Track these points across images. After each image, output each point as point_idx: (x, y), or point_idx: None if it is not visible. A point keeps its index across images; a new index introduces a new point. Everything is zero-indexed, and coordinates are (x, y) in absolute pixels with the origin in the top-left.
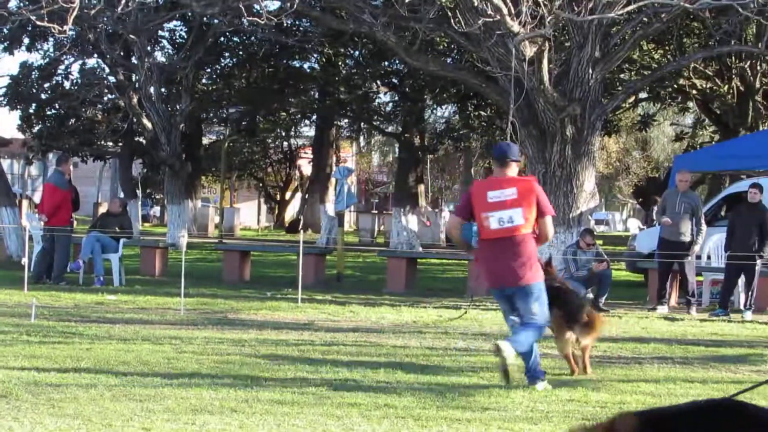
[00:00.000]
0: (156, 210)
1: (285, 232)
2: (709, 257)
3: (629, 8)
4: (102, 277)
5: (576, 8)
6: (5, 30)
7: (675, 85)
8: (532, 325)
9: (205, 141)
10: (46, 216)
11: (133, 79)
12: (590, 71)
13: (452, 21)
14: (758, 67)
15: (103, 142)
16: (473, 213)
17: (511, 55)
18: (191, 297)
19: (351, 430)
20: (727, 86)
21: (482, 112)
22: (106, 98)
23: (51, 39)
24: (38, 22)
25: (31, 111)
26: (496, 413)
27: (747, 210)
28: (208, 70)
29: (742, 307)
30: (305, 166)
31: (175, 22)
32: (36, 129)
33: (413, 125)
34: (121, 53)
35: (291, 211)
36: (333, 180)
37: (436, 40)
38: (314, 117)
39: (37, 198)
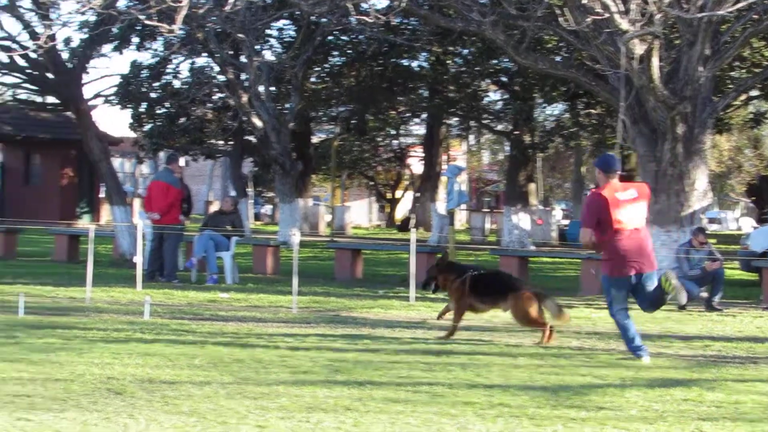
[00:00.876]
0: (267, 208)
1: (396, 231)
2: None
3: (739, 5)
4: (215, 275)
5: (685, 6)
6: (115, 29)
7: None
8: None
9: (315, 140)
10: (158, 214)
11: (243, 77)
12: (700, 69)
13: (560, 19)
14: None
15: (213, 141)
16: (602, 219)
17: (621, 53)
18: (304, 295)
19: (465, 429)
20: None
21: (592, 111)
22: (216, 97)
23: (160, 38)
24: (147, 22)
25: (141, 110)
26: (611, 413)
27: None
28: (317, 68)
29: None
30: (415, 165)
31: (283, 21)
32: (147, 128)
33: (523, 123)
34: (230, 52)
35: (402, 210)
36: (443, 178)
37: (544, 38)
38: (424, 115)
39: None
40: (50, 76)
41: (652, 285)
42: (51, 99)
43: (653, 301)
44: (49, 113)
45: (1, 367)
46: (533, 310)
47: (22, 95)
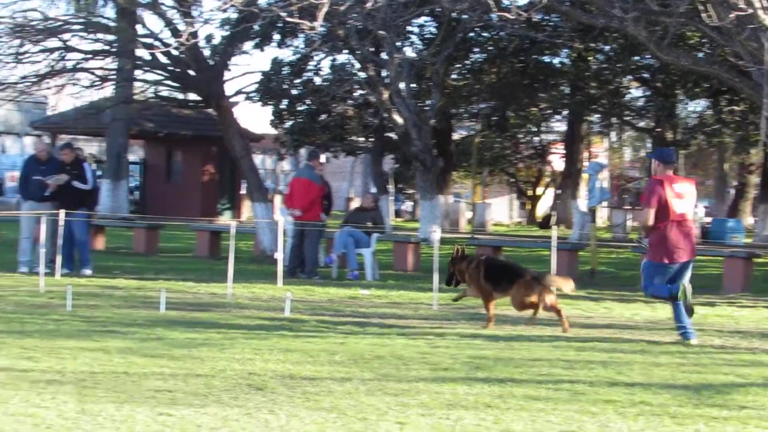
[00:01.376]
0: (408, 205)
1: (537, 228)
2: None
3: None
4: (355, 271)
5: None
6: (256, 27)
7: None
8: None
9: (456, 136)
10: (299, 210)
11: (383, 74)
12: None
13: (703, 15)
14: None
15: (354, 138)
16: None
17: (765, 50)
18: (444, 292)
19: (606, 427)
20: None
21: (735, 107)
22: (356, 94)
23: (301, 35)
24: (288, 19)
25: (282, 107)
26: (754, 412)
27: None
28: (458, 65)
29: None
30: (557, 162)
31: (424, 18)
32: (288, 125)
33: (665, 120)
34: (371, 49)
35: (543, 207)
36: (585, 175)
37: (687, 35)
38: (565, 112)
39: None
40: (192, 73)
41: (689, 274)
42: (192, 96)
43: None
44: (190, 110)
45: (142, 363)
46: (532, 297)
47: (164, 92)
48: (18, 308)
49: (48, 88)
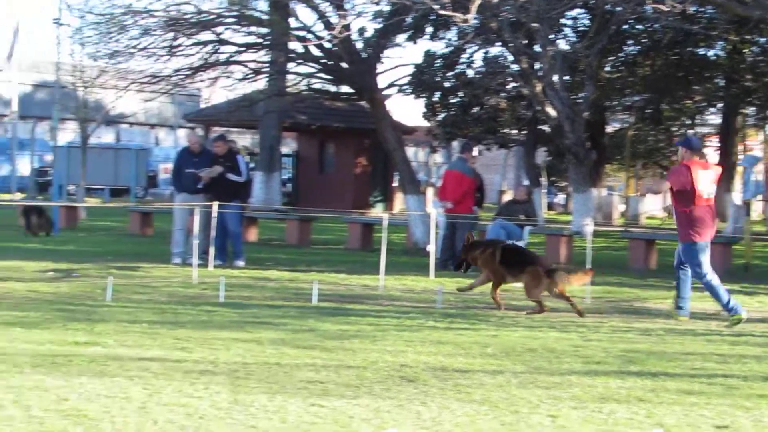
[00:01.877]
0: (560, 198)
1: None
2: None
3: None
4: None
5: None
6: (409, 19)
7: None
8: None
9: (609, 129)
10: (451, 203)
11: (537, 67)
12: None
13: None
14: None
15: (506, 130)
16: (686, 190)
17: None
18: (597, 285)
19: (760, 422)
20: None
21: None
22: (509, 86)
23: (454, 28)
24: (441, 12)
25: (435, 99)
26: None
27: None
28: (612, 57)
29: None
30: (711, 155)
31: (577, 10)
32: (440, 117)
33: None
34: (524, 41)
35: None
36: (740, 169)
37: None
38: (719, 105)
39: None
40: (345, 65)
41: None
42: (345, 88)
43: None
44: (343, 102)
45: (295, 354)
46: (541, 287)
47: (317, 85)
48: (171, 299)
49: (201, 81)
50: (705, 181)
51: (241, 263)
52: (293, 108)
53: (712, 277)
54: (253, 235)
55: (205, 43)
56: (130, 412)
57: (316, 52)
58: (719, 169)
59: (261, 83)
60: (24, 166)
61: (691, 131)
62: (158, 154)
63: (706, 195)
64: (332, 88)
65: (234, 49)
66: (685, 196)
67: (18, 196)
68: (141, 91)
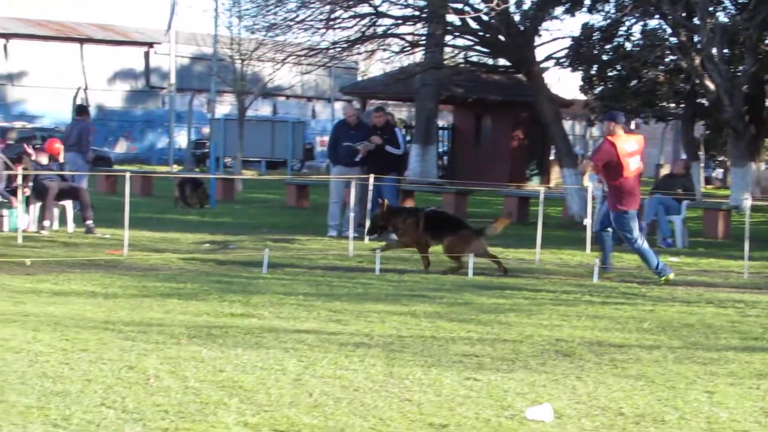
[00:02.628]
0: (718, 172)
1: None
2: None
3: None
4: (668, 239)
5: None
6: None
7: None
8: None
9: None
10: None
11: (695, 39)
12: None
13: None
14: None
15: (664, 104)
16: (613, 164)
17: None
18: (755, 260)
19: None
20: None
21: None
22: (667, 59)
23: (612, 0)
24: None
25: (592, 72)
26: None
27: None
28: None
29: None
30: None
31: None
32: (598, 90)
33: None
34: (683, 14)
35: None
36: None
37: None
38: None
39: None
40: (502, 38)
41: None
42: (502, 61)
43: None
44: (500, 75)
45: (450, 327)
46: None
47: (474, 58)
48: (327, 272)
49: (358, 54)
50: (630, 154)
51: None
52: (450, 81)
53: (642, 242)
54: None
55: (362, 16)
56: (286, 383)
57: (473, 24)
58: (641, 139)
59: (418, 56)
60: (181, 138)
61: None
62: (315, 126)
63: (633, 167)
64: (489, 61)
65: (391, 21)
66: (612, 169)
67: (175, 168)
68: (298, 64)
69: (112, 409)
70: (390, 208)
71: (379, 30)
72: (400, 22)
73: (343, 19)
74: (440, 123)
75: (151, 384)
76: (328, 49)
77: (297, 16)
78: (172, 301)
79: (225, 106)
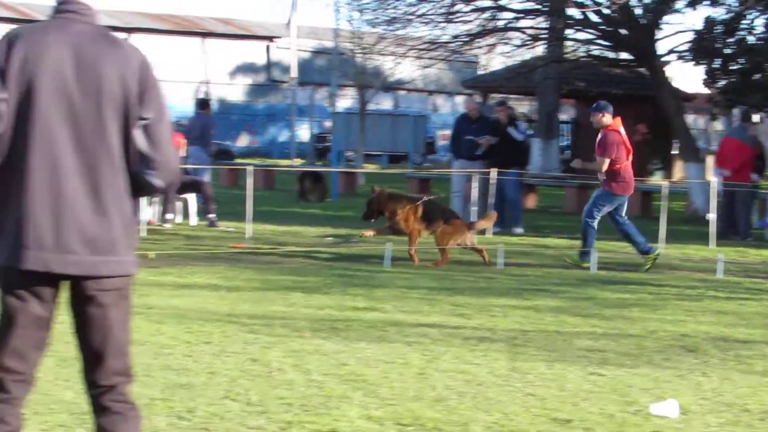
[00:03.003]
0: None
1: None
2: None
3: None
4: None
5: None
6: None
7: None
8: None
9: None
10: (728, 171)
11: None
12: None
13: None
14: None
15: None
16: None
17: None
18: None
19: None
20: None
21: None
22: None
23: None
24: None
25: (715, 66)
26: None
27: None
28: None
29: None
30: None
31: None
32: (720, 84)
33: None
34: None
35: None
36: None
37: None
38: None
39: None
40: (623, 32)
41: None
42: (624, 55)
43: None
44: (621, 69)
45: (573, 322)
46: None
47: (595, 51)
48: (449, 266)
49: (479, 48)
50: (627, 140)
51: (519, 230)
52: (571, 75)
53: (594, 225)
54: (531, 201)
55: (483, 10)
56: (409, 377)
57: (594, 17)
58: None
59: (539, 50)
60: (303, 132)
61: None
62: (436, 120)
63: (629, 154)
64: (611, 55)
65: (512, 15)
66: (618, 157)
67: (297, 162)
68: (419, 58)
69: (235, 401)
70: (386, 193)
71: (500, 23)
72: (521, 15)
73: (464, 12)
74: (562, 117)
75: (274, 377)
76: (448, 42)
77: (417, 9)
78: (296, 294)
79: (346, 100)
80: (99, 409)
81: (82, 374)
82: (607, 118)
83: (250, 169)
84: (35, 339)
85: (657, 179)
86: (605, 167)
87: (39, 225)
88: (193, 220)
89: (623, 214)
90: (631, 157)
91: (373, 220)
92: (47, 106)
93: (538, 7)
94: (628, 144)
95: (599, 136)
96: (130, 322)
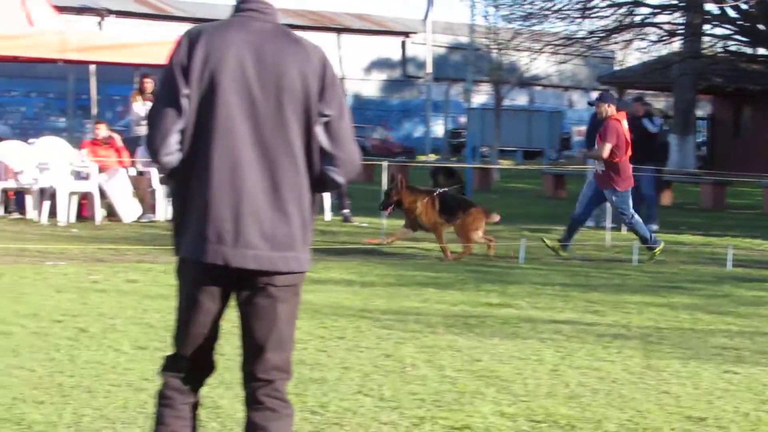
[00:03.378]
0: None
1: None
2: None
3: None
4: None
5: None
6: None
7: None
8: None
9: None
10: None
11: None
12: None
13: None
14: None
15: None
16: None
17: None
18: None
19: None
20: None
21: None
22: None
23: None
24: None
25: None
26: None
27: None
28: None
29: None
30: None
31: None
32: None
33: None
34: None
35: None
36: None
37: None
38: None
39: None
40: (762, 27)
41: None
42: (762, 50)
43: None
44: (759, 65)
45: (709, 320)
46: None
47: (733, 47)
48: (584, 262)
49: (615, 43)
50: (627, 132)
51: (654, 227)
52: (708, 70)
53: (636, 220)
54: (666, 198)
55: (619, 5)
56: (542, 374)
57: (732, 13)
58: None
59: (675, 45)
60: (438, 127)
61: None
62: (571, 116)
63: (628, 148)
64: (748, 51)
65: (648, 10)
66: (618, 148)
67: (431, 157)
68: (555, 53)
69: (368, 396)
70: (407, 185)
71: (637, 19)
72: (657, 11)
73: (601, 8)
74: (698, 113)
75: (407, 372)
76: (584, 38)
77: (554, 5)
78: (429, 289)
79: (481, 96)
80: (253, 402)
81: (242, 367)
82: (612, 109)
83: (385, 164)
84: (210, 329)
85: None
86: (606, 153)
87: (219, 219)
88: (328, 215)
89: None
90: (629, 152)
91: (388, 212)
92: (229, 103)
93: (675, 2)
94: (628, 138)
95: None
96: (296, 320)
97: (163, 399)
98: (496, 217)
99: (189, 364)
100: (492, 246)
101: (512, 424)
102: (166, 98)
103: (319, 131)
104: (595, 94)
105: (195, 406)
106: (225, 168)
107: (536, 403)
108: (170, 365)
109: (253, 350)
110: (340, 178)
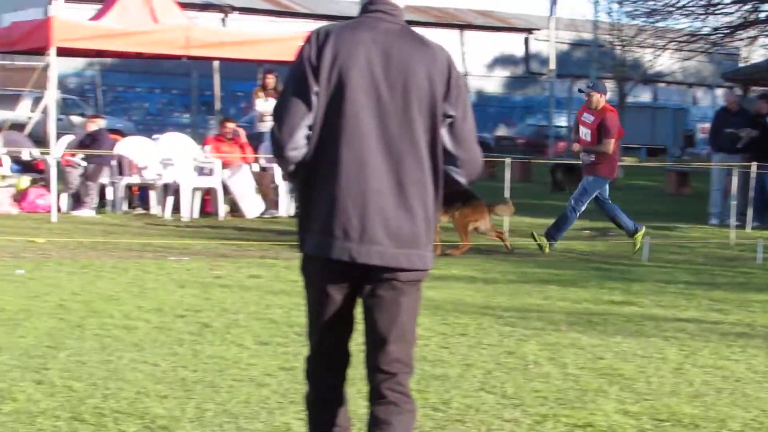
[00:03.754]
0: None
1: None
2: None
3: None
4: None
5: None
6: None
7: None
8: None
9: None
10: None
11: None
12: None
13: None
14: None
15: None
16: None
17: None
18: None
19: None
20: None
21: None
22: None
23: None
24: None
25: None
26: None
27: None
28: None
29: None
30: None
31: None
32: None
33: None
34: None
35: None
36: None
37: None
38: None
39: None
40: None
41: None
42: None
43: None
44: None
45: None
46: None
47: None
48: (708, 260)
49: (740, 40)
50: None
51: None
52: None
53: (577, 214)
54: None
55: (744, 1)
56: (666, 372)
57: None
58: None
59: None
60: (561, 124)
61: None
62: (695, 113)
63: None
64: None
65: None
66: (615, 139)
67: (562, 145)
68: (678, 50)
69: (491, 394)
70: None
71: (762, 15)
72: None
73: (725, 4)
74: None
75: (530, 370)
76: (709, 35)
77: (678, 1)
78: (551, 287)
79: None
80: (376, 396)
81: (365, 361)
82: (603, 99)
83: (508, 161)
84: (341, 323)
85: None
86: (611, 149)
87: (346, 216)
88: None
89: (607, 197)
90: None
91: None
92: (357, 101)
93: None
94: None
95: (599, 118)
96: (417, 315)
97: (310, 405)
98: (508, 210)
99: (326, 360)
100: (506, 239)
101: (635, 423)
102: (296, 93)
103: (443, 132)
104: (720, 92)
105: (342, 403)
106: (352, 165)
107: (660, 401)
108: (310, 366)
109: (376, 343)
110: (462, 179)
